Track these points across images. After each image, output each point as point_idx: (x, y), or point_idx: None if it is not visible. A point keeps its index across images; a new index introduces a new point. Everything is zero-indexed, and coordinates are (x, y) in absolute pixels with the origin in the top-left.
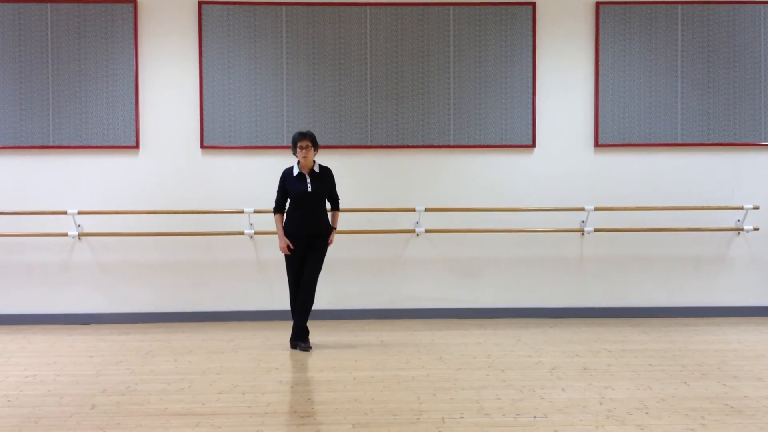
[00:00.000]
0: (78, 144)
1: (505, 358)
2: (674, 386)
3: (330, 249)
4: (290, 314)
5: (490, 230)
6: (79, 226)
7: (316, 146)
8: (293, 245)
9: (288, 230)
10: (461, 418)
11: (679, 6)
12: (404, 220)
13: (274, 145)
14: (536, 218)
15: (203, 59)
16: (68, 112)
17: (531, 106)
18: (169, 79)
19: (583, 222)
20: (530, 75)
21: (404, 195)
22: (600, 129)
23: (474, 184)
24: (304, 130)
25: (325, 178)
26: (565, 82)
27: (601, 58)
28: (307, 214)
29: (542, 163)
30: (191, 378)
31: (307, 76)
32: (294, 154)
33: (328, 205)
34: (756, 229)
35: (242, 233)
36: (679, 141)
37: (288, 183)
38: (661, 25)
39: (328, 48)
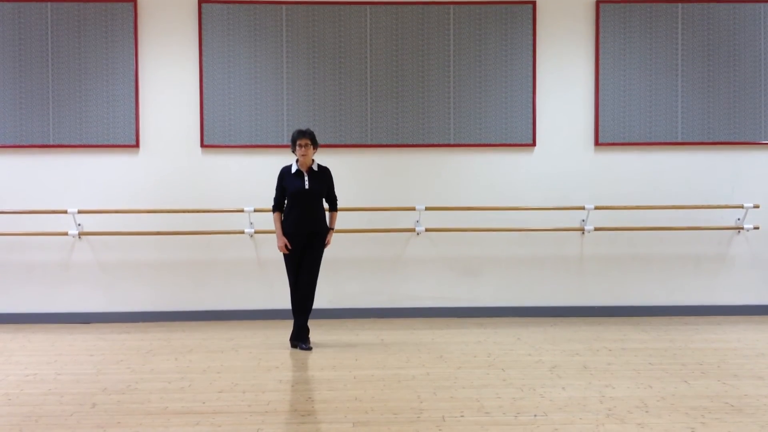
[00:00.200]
0: (78, 143)
1: (505, 357)
2: (674, 385)
3: (330, 248)
4: (290, 313)
5: (491, 229)
6: (79, 225)
7: (315, 145)
8: (291, 244)
9: (286, 229)
10: (461, 416)
11: (680, 5)
12: (404, 219)
13: (274, 144)
14: (536, 217)
15: (203, 58)
16: (68, 111)
17: (531, 105)
18: (169, 78)
19: (583, 221)
20: (530, 74)
21: (404, 194)
22: (600, 128)
23: (474, 183)
24: (303, 128)
25: (323, 178)
26: (565, 80)
27: (601, 57)
28: (304, 213)
29: (542, 162)
30: (192, 377)
31: (307, 75)
32: (293, 152)
33: (326, 206)
34: (756, 228)
35: (242, 232)
36: (680, 140)
37: (286, 181)
38: (662, 24)
39: (329, 47)
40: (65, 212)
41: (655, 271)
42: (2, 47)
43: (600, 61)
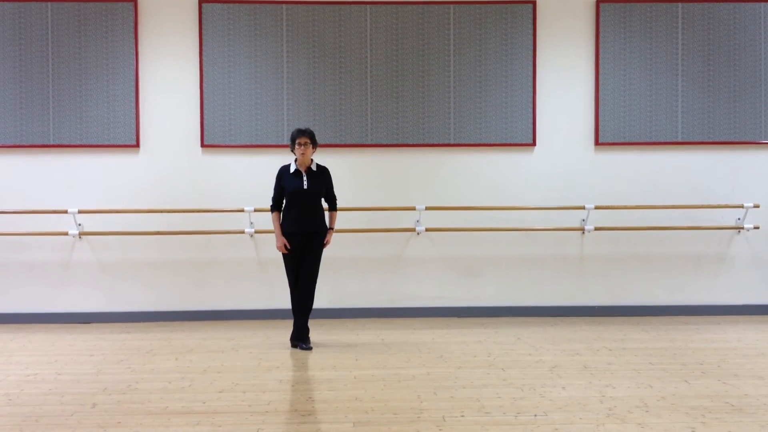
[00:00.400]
0: (78, 143)
1: (505, 357)
2: (675, 384)
3: (330, 248)
4: (290, 313)
5: (491, 229)
6: (79, 225)
7: (314, 144)
8: (290, 244)
9: (285, 229)
10: (462, 416)
11: (680, 5)
12: (404, 219)
13: (274, 143)
14: (536, 217)
15: (203, 58)
16: (69, 111)
17: (531, 105)
18: (169, 78)
19: (583, 221)
20: (530, 73)
21: (404, 193)
22: (600, 127)
23: (474, 183)
24: (302, 127)
25: (322, 177)
26: (565, 80)
27: (601, 56)
28: (303, 213)
29: (542, 162)
30: (192, 377)
31: (307, 74)
32: (292, 151)
33: (326, 205)
34: (756, 228)
35: (242, 232)
36: (680, 139)
37: (284, 180)
38: (662, 24)
39: (329, 47)
40: (65, 212)
41: (656, 270)
42: (2, 47)
43: (600, 61)
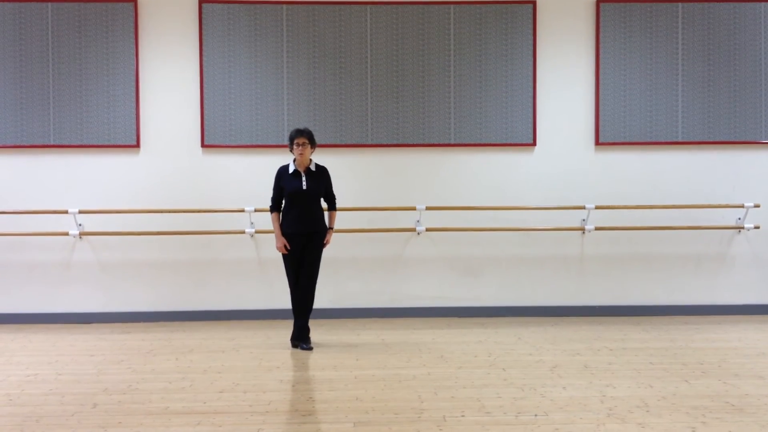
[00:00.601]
0: (79, 143)
1: (506, 357)
2: (675, 384)
3: (330, 248)
4: (291, 313)
5: (491, 229)
6: (79, 225)
7: (313, 144)
8: (290, 245)
9: (285, 230)
10: (462, 416)
11: (680, 5)
12: (405, 219)
13: (274, 143)
14: (537, 217)
15: (204, 58)
16: (69, 112)
17: (531, 105)
18: (169, 78)
19: (583, 220)
20: (530, 73)
21: (405, 193)
22: (600, 127)
23: (474, 183)
24: (301, 127)
25: (321, 177)
26: (565, 80)
27: (601, 56)
28: (302, 213)
29: (543, 162)
30: (192, 377)
31: (307, 74)
32: (291, 151)
33: (325, 205)
34: (757, 228)
35: (243, 232)
36: (680, 139)
37: (283, 180)
38: (662, 24)
39: (329, 47)
40: (66, 212)
41: (656, 270)
42: (2, 47)
43: (600, 61)
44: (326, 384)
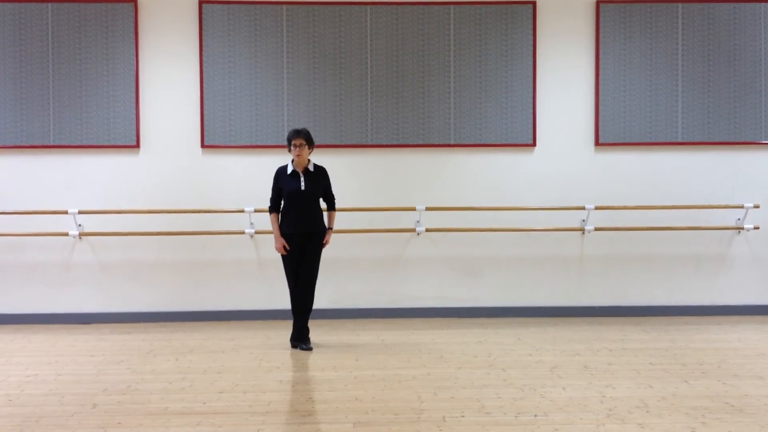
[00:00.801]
0: (78, 143)
1: (505, 357)
2: (675, 385)
3: (330, 248)
4: (290, 313)
5: (491, 229)
6: (79, 225)
7: (310, 144)
8: (289, 245)
9: (283, 230)
10: (462, 416)
11: (680, 5)
12: (405, 219)
13: (274, 144)
14: (537, 217)
15: (204, 58)
16: (69, 112)
17: (531, 105)
18: (169, 79)
19: (583, 221)
20: (530, 74)
21: (405, 194)
22: (600, 128)
23: (474, 183)
24: (299, 127)
25: (319, 178)
26: (565, 80)
27: (601, 56)
28: (301, 214)
29: (543, 162)
30: (192, 377)
31: (307, 75)
32: (289, 151)
33: (324, 205)
34: (756, 228)
35: (243, 232)
36: (680, 140)
37: (281, 181)
38: (662, 24)
39: (329, 47)
40: (66, 213)
41: (656, 271)
42: (2, 47)
43: (600, 61)
44: (326, 384)
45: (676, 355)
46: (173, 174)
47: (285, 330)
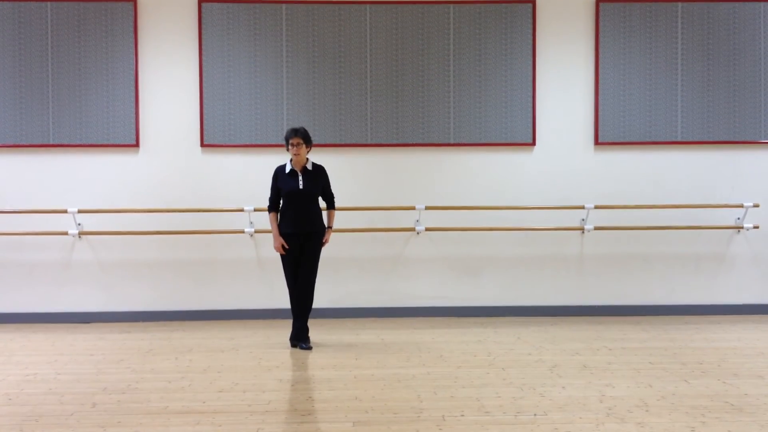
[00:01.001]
0: (78, 142)
1: (505, 357)
2: (674, 384)
3: (330, 247)
4: (290, 313)
5: (491, 228)
6: (79, 224)
7: (308, 143)
8: (288, 244)
9: (282, 230)
10: (462, 416)
11: (679, 4)
12: (404, 219)
13: (274, 143)
14: (536, 216)
15: (203, 57)
16: (68, 111)
17: (531, 105)
18: (169, 78)
19: (583, 220)
20: (530, 73)
21: (404, 193)
22: (600, 127)
23: (474, 183)
24: (297, 126)
25: (318, 177)
26: (565, 80)
27: (601, 56)
28: (299, 213)
29: (542, 162)
30: (192, 376)
31: (307, 74)
32: (288, 150)
33: (324, 204)
34: (756, 227)
35: (242, 232)
36: (679, 139)
37: (280, 180)
38: (661, 24)
39: (328, 46)
40: (65, 212)
41: (655, 270)
42: (2, 47)
43: (600, 61)
44: (325, 383)
45: (676, 354)
46: (173, 173)
47: (285, 329)
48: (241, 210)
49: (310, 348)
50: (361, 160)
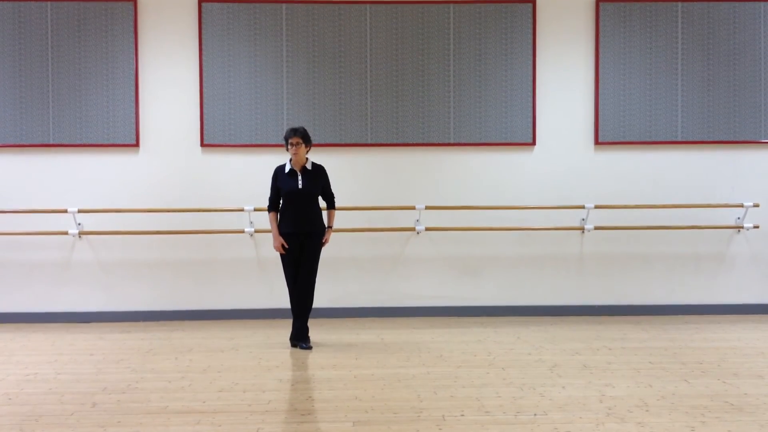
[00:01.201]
0: (78, 142)
1: (505, 356)
2: (674, 384)
3: (330, 247)
4: (290, 312)
5: (491, 228)
6: (79, 224)
7: (308, 143)
8: (288, 244)
9: (282, 229)
10: (462, 416)
11: (679, 4)
12: (404, 218)
13: (274, 143)
14: (536, 216)
15: (203, 57)
16: (68, 111)
17: (531, 104)
18: (169, 78)
19: (583, 220)
20: (530, 73)
21: (404, 193)
22: (600, 127)
23: (474, 182)
24: (296, 125)
25: (317, 176)
26: (565, 79)
27: (601, 55)
28: (299, 213)
29: (542, 161)
30: (192, 376)
31: (307, 74)
32: (287, 150)
33: (323, 204)
34: (756, 227)
35: (242, 231)
36: (679, 139)
37: (279, 180)
38: (661, 23)
39: (328, 46)
40: (65, 212)
41: (655, 270)
42: (2, 47)
43: (600, 60)
44: (325, 383)
45: (676, 354)
46: (173, 173)
47: (284, 329)
48: (241, 210)
49: (310, 348)
50: (361, 160)
